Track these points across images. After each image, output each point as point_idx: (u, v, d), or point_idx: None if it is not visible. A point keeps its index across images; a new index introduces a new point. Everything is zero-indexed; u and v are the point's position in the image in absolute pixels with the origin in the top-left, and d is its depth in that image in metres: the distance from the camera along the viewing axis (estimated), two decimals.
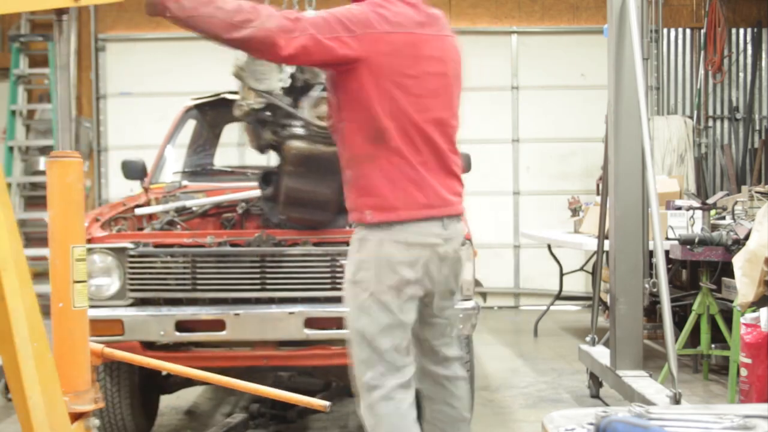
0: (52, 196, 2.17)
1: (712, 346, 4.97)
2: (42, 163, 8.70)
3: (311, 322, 3.27)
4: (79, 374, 2.21)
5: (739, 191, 6.83)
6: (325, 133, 2.97)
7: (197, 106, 4.89)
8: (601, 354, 4.44)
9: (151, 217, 3.95)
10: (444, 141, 2.51)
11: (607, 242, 4.37)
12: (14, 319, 1.86)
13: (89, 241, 3.28)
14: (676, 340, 4.96)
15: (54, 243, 2.17)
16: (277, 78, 3.07)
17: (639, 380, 3.78)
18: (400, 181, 2.43)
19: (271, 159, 3.79)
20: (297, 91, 3.14)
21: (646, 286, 3.98)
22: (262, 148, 3.34)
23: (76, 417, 2.16)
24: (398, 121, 2.42)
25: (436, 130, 2.48)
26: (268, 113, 3.14)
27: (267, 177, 3.58)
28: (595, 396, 4.67)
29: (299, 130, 3.03)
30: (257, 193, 3.69)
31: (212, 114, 4.98)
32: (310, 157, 3.07)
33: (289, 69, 3.09)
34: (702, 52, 9.02)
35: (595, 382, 4.67)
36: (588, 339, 4.77)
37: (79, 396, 2.19)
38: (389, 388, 2.45)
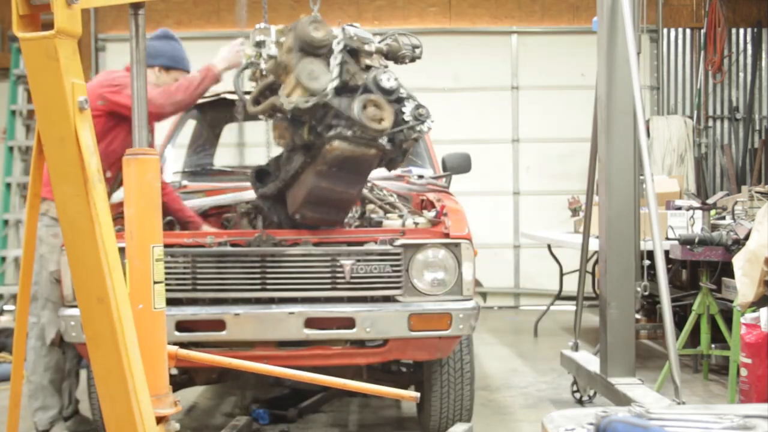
0: (129, 195, 2.11)
1: (712, 346, 4.96)
2: None
3: (311, 322, 3.26)
4: (159, 377, 2.14)
5: (739, 191, 6.84)
6: (373, 135, 2.99)
7: (197, 106, 4.87)
8: (587, 360, 4.29)
9: None
10: None
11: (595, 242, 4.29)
12: (124, 321, 1.79)
13: None
14: (676, 340, 4.98)
15: (133, 242, 2.10)
16: (328, 78, 3.05)
17: (635, 388, 3.64)
18: None
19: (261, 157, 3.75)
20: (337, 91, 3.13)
21: (638, 289, 3.85)
22: (294, 147, 3.32)
23: (157, 421, 2.08)
24: None
25: None
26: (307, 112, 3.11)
27: (260, 175, 3.57)
28: (580, 402, 4.54)
29: (346, 132, 3.02)
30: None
31: (212, 114, 4.97)
32: (350, 158, 3.09)
33: (336, 70, 3.06)
34: (702, 52, 9.02)
35: (581, 388, 4.54)
36: (570, 344, 4.59)
37: (161, 399, 2.13)
38: None
